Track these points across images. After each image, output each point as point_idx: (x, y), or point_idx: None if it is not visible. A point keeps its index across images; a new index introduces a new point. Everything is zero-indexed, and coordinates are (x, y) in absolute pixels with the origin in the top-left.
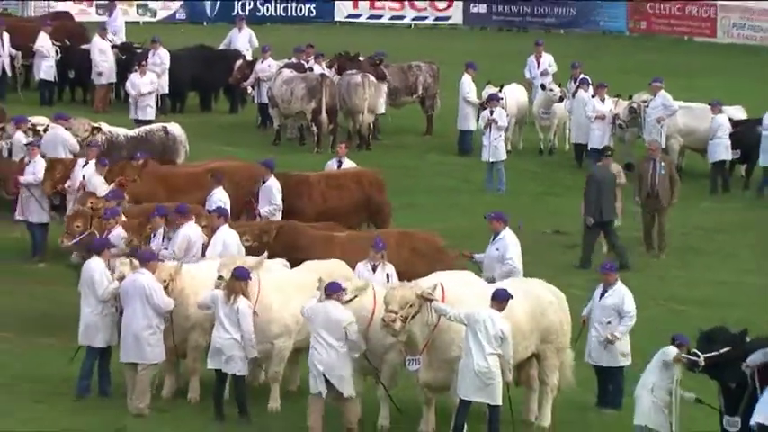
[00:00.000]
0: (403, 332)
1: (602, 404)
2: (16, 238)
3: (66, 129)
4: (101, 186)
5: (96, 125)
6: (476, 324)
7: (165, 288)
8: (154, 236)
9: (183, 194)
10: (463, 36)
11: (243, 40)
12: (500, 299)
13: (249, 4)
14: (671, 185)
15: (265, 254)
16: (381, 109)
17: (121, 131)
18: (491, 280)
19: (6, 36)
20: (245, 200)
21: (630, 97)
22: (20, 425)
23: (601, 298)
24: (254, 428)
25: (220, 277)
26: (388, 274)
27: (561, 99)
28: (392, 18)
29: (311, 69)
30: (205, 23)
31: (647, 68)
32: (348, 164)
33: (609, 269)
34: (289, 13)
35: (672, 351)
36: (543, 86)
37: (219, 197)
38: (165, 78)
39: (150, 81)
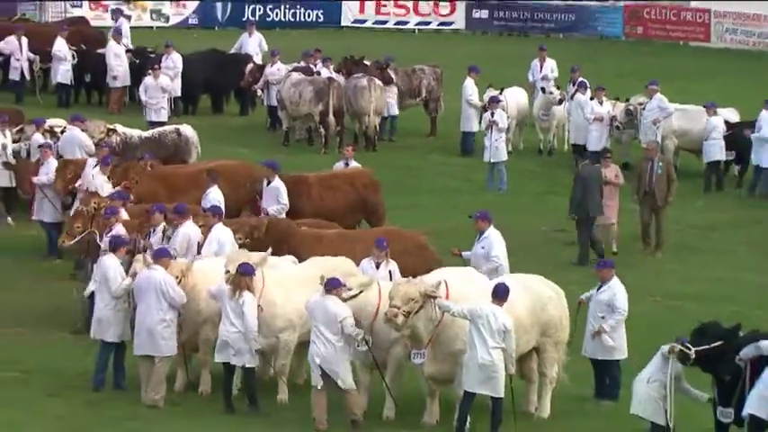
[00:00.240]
0: (405, 327)
1: (600, 396)
2: (33, 237)
3: (83, 130)
4: (103, 186)
5: (111, 126)
6: (479, 319)
7: (178, 284)
8: (153, 232)
9: (182, 194)
10: (466, 40)
11: (253, 44)
12: (500, 294)
13: (259, 10)
14: (668, 184)
15: (269, 251)
16: (394, 111)
17: (136, 133)
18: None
19: (25, 41)
20: (251, 199)
21: (627, 100)
22: (34, 418)
23: (597, 293)
24: (263, 420)
25: (228, 272)
26: (390, 272)
27: (560, 101)
28: (397, 23)
29: (319, 73)
30: (216, 28)
31: (643, 72)
32: (355, 165)
33: (603, 266)
34: (297, 19)
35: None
36: (543, 89)
37: (215, 196)
38: (178, 81)
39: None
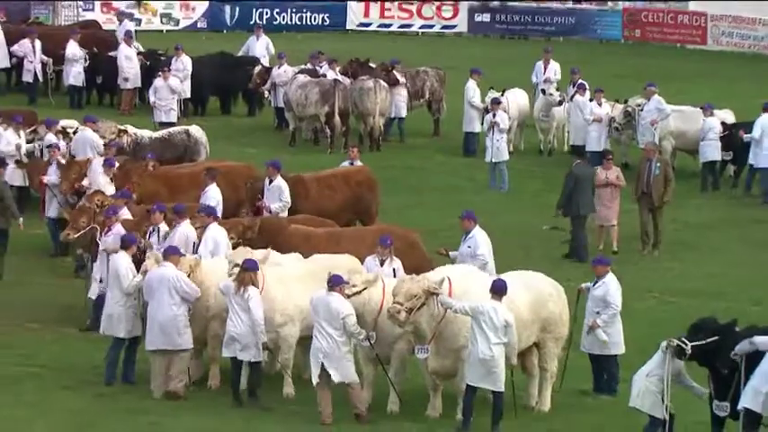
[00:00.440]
0: (408, 323)
1: (598, 390)
2: (45, 235)
3: (95, 131)
4: (106, 186)
5: (122, 127)
6: (480, 316)
7: None
8: (152, 231)
9: (183, 194)
10: (468, 43)
11: (260, 47)
12: (498, 290)
13: (266, 14)
14: (665, 185)
15: (269, 248)
16: (403, 112)
17: (146, 133)
18: None
19: (38, 44)
20: (252, 197)
21: (626, 101)
22: (46, 411)
23: (593, 288)
24: (270, 413)
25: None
26: (394, 269)
27: (560, 103)
28: (401, 26)
29: (324, 75)
30: (225, 32)
31: (641, 74)
32: (359, 165)
33: (598, 262)
34: (303, 22)
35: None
36: (543, 91)
37: (213, 194)
38: (188, 83)
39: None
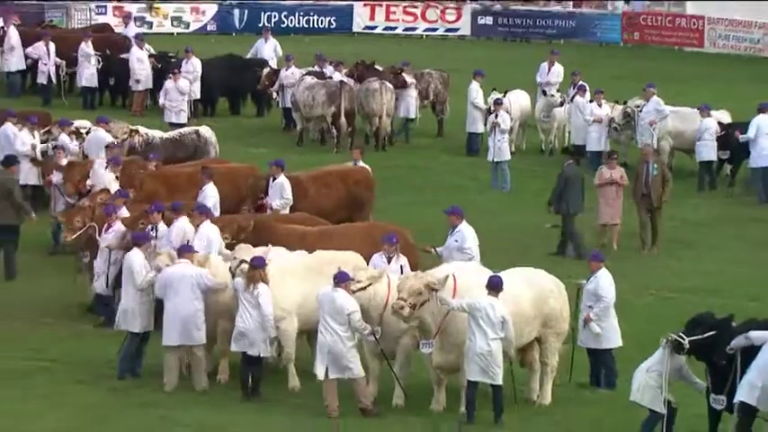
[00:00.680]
0: (412, 318)
1: (596, 384)
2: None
3: (107, 131)
4: (111, 184)
5: (134, 128)
6: (477, 312)
7: None
8: (150, 230)
9: (181, 193)
10: (471, 46)
11: (269, 49)
12: (494, 286)
13: (274, 17)
14: (663, 185)
15: (270, 246)
16: (413, 113)
17: (157, 134)
18: None
19: (52, 46)
20: (254, 195)
21: (625, 102)
22: (60, 405)
23: (587, 284)
24: (277, 406)
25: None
26: (401, 266)
27: (561, 104)
28: (406, 29)
29: (331, 77)
30: (234, 34)
31: (640, 76)
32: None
33: (592, 258)
34: (311, 25)
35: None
36: (544, 92)
37: (210, 193)
38: (197, 85)
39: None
